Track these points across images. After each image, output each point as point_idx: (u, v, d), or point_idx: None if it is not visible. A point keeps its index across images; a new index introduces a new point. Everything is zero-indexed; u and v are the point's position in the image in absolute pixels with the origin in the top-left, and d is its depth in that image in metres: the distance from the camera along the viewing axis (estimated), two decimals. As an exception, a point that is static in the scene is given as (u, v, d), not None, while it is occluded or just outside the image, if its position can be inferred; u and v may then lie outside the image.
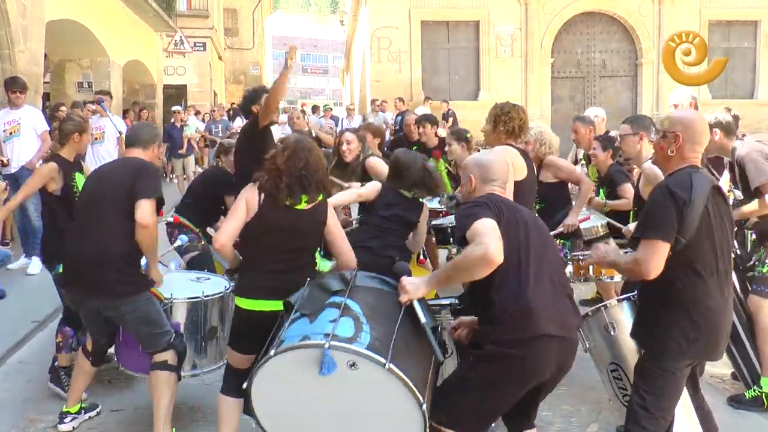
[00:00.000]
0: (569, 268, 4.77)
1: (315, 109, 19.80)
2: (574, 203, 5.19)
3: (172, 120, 15.15)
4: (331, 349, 2.50)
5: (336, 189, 5.00)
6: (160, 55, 19.05)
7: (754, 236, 4.33)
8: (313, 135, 8.75)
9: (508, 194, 3.73)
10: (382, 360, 2.50)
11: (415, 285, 2.82)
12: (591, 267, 4.56)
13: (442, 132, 8.07)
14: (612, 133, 6.36)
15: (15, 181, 7.26)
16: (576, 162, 6.98)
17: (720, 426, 3.25)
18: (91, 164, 7.34)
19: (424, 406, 2.54)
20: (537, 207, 4.82)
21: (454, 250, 5.23)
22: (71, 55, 13.73)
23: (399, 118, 13.54)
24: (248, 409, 2.85)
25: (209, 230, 5.53)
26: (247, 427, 3.13)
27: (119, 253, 3.56)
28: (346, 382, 2.55)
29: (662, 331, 2.88)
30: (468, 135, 6.26)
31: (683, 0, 18.47)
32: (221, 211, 5.48)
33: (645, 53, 18.73)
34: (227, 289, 4.10)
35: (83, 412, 4.10)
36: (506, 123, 4.25)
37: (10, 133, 7.50)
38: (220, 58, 26.91)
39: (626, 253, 4.05)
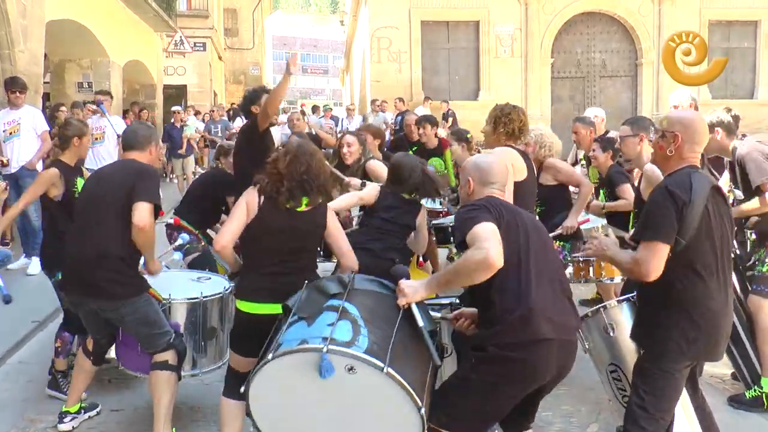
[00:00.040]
0: (569, 270, 4.77)
1: (315, 109, 19.80)
2: (574, 206, 5.18)
3: (172, 120, 15.15)
4: (329, 353, 2.49)
5: (336, 191, 5.00)
6: (160, 55, 19.05)
7: (754, 236, 4.33)
8: (313, 132, 8.74)
9: (508, 195, 3.73)
10: (380, 364, 2.49)
11: (413, 288, 2.81)
12: (591, 268, 4.56)
13: (442, 132, 8.07)
14: (612, 134, 6.36)
15: (15, 181, 7.27)
16: (576, 162, 6.98)
17: (720, 426, 3.25)
18: (91, 164, 7.36)
19: (423, 410, 2.54)
20: (537, 210, 4.81)
21: (454, 249, 5.23)
22: (71, 55, 13.73)
23: (399, 118, 13.53)
24: (250, 412, 2.86)
25: (209, 232, 5.53)
26: (247, 428, 3.14)
27: (119, 255, 3.56)
28: (344, 385, 2.54)
29: (662, 332, 2.87)
30: (468, 135, 6.27)
31: (683, 0, 18.47)
32: (221, 212, 5.49)
33: (645, 53, 18.73)
34: (227, 290, 4.10)
35: (83, 411, 4.10)
36: (506, 125, 4.24)
37: (10, 133, 7.49)
38: (220, 58, 26.91)
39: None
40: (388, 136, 10.59)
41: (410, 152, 7.30)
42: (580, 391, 4.39)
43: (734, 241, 4.34)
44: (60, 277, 4.00)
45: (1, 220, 4.52)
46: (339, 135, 9.36)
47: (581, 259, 4.63)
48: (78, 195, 4.09)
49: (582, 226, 5.05)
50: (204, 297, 4.01)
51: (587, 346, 3.46)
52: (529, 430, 3.03)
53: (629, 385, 3.16)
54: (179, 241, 4.72)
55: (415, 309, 2.79)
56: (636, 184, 4.90)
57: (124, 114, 13.43)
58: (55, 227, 4.36)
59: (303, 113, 12.51)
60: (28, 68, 9.19)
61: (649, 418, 2.88)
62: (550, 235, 3.80)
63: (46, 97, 12.86)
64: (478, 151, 6.37)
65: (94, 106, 9.09)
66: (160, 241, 4.03)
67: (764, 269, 4.18)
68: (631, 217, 4.82)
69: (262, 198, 3.24)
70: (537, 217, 4.50)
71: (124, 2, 14.38)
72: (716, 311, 2.87)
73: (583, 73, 19.13)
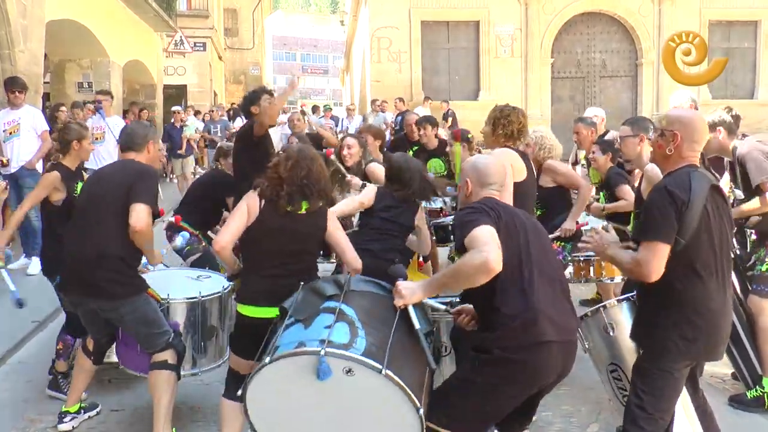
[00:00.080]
0: (569, 269, 4.77)
1: (315, 109, 19.80)
2: (573, 208, 5.16)
3: (172, 120, 15.15)
4: (326, 356, 2.48)
5: (337, 192, 5.00)
6: (160, 55, 19.06)
7: (754, 236, 4.32)
8: (314, 131, 8.73)
9: (508, 196, 3.73)
10: (379, 366, 2.48)
11: (410, 290, 2.80)
12: (591, 268, 4.55)
13: (442, 132, 8.06)
14: (612, 133, 6.35)
15: (15, 181, 7.27)
16: (576, 163, 6.97)
17: (721, 426, 3.24)
18: (91, 164, 7.34)
19: (421, 410, 2.53)
20: (537, 212, 4.80)
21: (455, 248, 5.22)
22: (71, 55, 13.73)
23: (399, 118, 13.53)
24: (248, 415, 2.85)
25: (210, 233, 5.53)
26: (247, 429, 3.13)
27: (118, 255, 3.56)
28: (342, 388, 2.54)
29: (662, 332, 2.87)
30: (469, 136, 6.26)
31: (683, 0, 18.47)
32: (222, 213, 5.49)
33: (645, 53, 18.72)
34: (225, 289, 4.10)
35: (83, 411, 4.10)
36: (505, 126, 4.23)
37: (10, 133, 7.49)
38: (220, 58, 26.91)
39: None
40: (388, 136, 10.59)
41: (411, 152, 7.31)
42: (580, 391, 4.39)
43: (734, 241, 4.35)
44: (60, 281, 4.00)
45: (7, 226, 4.49)
46: (339, 135, 9.35)
47: (582, 258, 4.62)
48: (78, 195, 4.08)
49: (582, 229, 5.04)
50: (202, 296, 4.00)
51: (587, 346, 3.46)
52: (527, 430, 3.03)
53: (630, 384, 3.16)
54: (180, 239, 4.72)
55: (411, 311, 2.78)
56: (636, 185, 4.89)
57: (124, 114, 13.43)
58: (55, 231, 4.33)
59: (303, 113, 12.48)
60: (28, 68, 9.19)
61: (648, 418, 2.87)
62: (549, 236, 3.79)
63: (46, 97, 12.86)
64: (479, 152, 6.35)
65: (94, 106, 9.08)
66: (159, 241, 4.02)
67: (764, 269, 4.18)
68: (632, 217, 4.82)
69: (263, 201, 3.25)
70: (537, 219, 4.50)
71: (124, 2, 14.38)
72: (716, 311, 2.87)
73: (584, 74, 19.12)
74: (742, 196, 4.21)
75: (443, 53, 18.85)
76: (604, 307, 3.47)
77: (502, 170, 3.13)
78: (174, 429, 3.74)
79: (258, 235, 3.26)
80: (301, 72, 62.05)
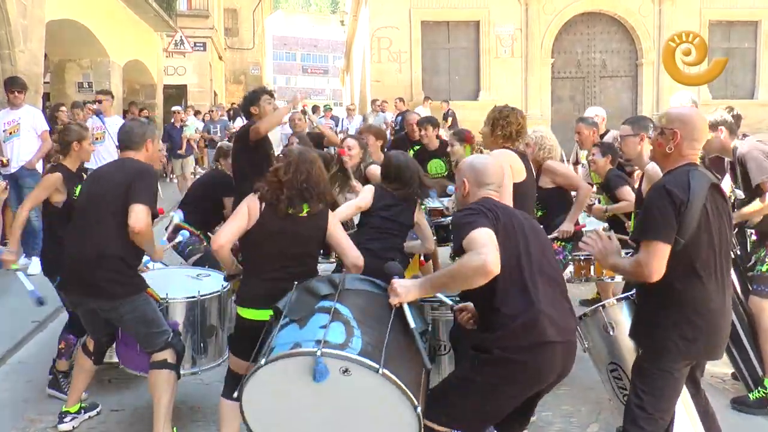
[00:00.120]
0: (570, 268, 4.76)
1: (315, 109, 19.73)
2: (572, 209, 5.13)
3: (172, 120, 15.15)
4: (323, 357, 2.47)
5: (341, 195, 4.99)
6: (160, 55, 19.05)
7: (754, 237, 4.32)
8: (315, 129, 8.72)
9: (508, 197, 3.72)
10: (375, 365, 2.47)
11: (406, 288, 2.79)
12: (592, 267, 4.54)
13: (443, 132, 8.06)
14: (612, 133, 6.35)
15: (15, 181, 7.26)
16: (577, 163, 6.96)
17: (723, 427, 3.23)
18: (91, 164, 7.34)
19: (419, 409, 2.53)
20: (538, 213, 4.78)
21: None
22: (71, 55, 13.73)
23: (399, 118, 13.53)
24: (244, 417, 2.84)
25: (210, 234, 5.52)
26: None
27: (118, 255, 3.56)
28: (339, 388, 2.53)
29: (661, 332, 2.86)
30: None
31: (683, 0, 18.47)
32: (222, 213, 5.49)
33: (645, 53, 18.72)
34: (224, 288, 4.10)
35: (83, 411, 4.10)
36: (504, 127, 4.22)
37: (10, 133, 7.49)
38: (220, 58, 26.91)
39: (627, 254, 4.02)
40: (388, 136, 10.59)
41: (411, 151, 7.32)
42: (580, 391, 4.39)
43: (734, 241, 4.34)
44: (60, 279, 4.00)
45: (14, 231, 4.46)
46: (340, 135, 9.34)
47: (582, 257, 4.61)
48: (77, 194, 4.08)
49: (582, 230, 5.03)
50: (201, 296, 4.00)
51: (586, 346, 3.45)
52: (526, 431, 3.03)
53: (630, 384, 3.15)
54: (178, 238, 4.71)
55: (406, 309, 2.76)
56: (636, 185, 4.89)
57: (124, 114, 13.43)
58: (55, 233, 4.32)
59: (304, 113, 12.46)
60: (28, 68, 9.19)
61: (648, 418, 2.86)
62: (548, 237, 3.79)
63: (46, 97, 12.86)
64: (480, 152, 6.35)
65: (95, 105, 9.08)
66: (158, 240, 4.01)
67: (764, 269, 4.17)
68: (632, 217, 4.81)
69: (263, 204, 3.25)
70: (537, 220, 4.49)
71: (124, 2, 14.38)
72: (716, 311, 2.86)
73: (584, 74, 19.12)
74: (743, 196, 4.21)
75: (443, 53, 18.86)
76: (603, 306, 3.46)
77: (500, 170, 3.12)
78: (175, 429, 3.74)
79: (258, 238, 3.26)
80: (301, 72, 62.11)
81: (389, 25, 18.31)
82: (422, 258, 5.53)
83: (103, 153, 8.49)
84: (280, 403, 2.65)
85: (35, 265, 7.11)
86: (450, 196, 5.40)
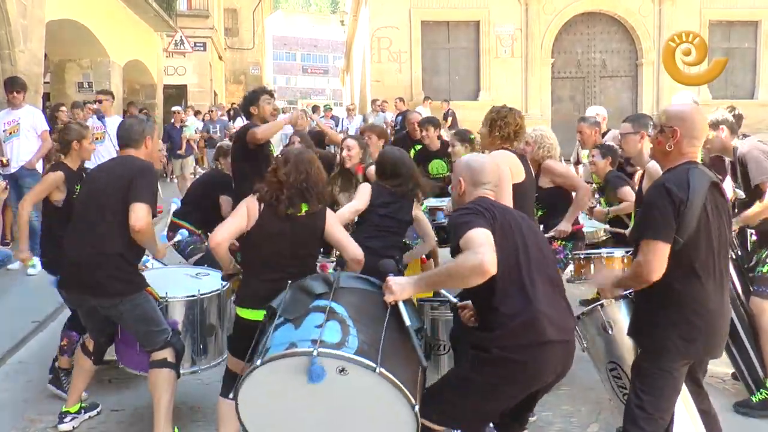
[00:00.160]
0: (570, 267, 4.75)
1: (315, 109, 19.78)
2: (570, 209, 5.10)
3: (172, 120, 15.15)
4: (319, 356, 2.45)
5: (343, 197, 4.98)
6: (160, 55, 19.05)
7: (754, 237, 4.31)
8: (313, 125, 8.72)
9: (508, 199, 3.71)
10: (372, 364, 2.46)
11: (401, 286, 2.77)
12: (592, 265, 4.53)
13: (443, 132, 8.05)
14: (613, 132, 6.34)
15: (15, 181, 7.26)
16: (579, 162, 6.96)
17: (724, 428, 3.23)
18: (92, 164, 7.34)
19: (416, 407, 2.52)
20: (538, 213, 4.77)
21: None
22: (71, 55, 13.73)
23: (399, 118, 13.53)
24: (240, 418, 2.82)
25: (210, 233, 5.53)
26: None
27: (118, 252, 3.56)
28: (336, 387, 2.51)
29: (660, 332, 2.85)
30: (472, 137, 6.24)
31: (684, 0, 18.47)
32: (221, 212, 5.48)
33: (645, 53, 18.73)
34: (224, 287, 4.09)
35: (83, 411, 4.10)
36: (501, 128, 4.20)
37: (10, 133, 7.49)
38: (220, 58, 26.91)
39: (627, 252, 4.02)
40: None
41: (413, 151, 7.32)
42: (580, 391, 4.39)
43: (735, 241, 4.34)
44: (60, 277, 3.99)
45: (20, 229, 4.44)
46: (340, 135, 9.34)
47: (582, 256, 4.61)
48: (77, 192, 4.07)
49: (584, 228, 5.02)
50: (201, 294, 4.00)
51: (585, 345, 3.44)
52: (526, 431, 3.02)
53: (629, 384, 3.15)
54: (177, 237, 4.71)
55: (402, 307, 2.75)
56: (637, 185, 4.88)
57: (124, 114, 13.43)
58: (54, 234, 4.30)
59: (305, 112, 12.57)
60: (28, 68, 9.19)
61: (648, 418, 2.86)
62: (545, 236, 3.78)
63: (46, 97, 12.86)
64: (483, 152, 6.34)
65: (95, 105, 9.08)
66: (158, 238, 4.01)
67: (765, 270, 4.16)
68: (632, 216, 4.81)
69: (262, 205, 3.26)
70: (538, 220, 4.48)
71: (124, 2, 14.38)
72: (714, 311, 2.85)
73: (584, 74, 19.13)
74: (744, 196, 4.20)
75: (443, 53, 18.86)
76: (602, 305, 3.45)
77: (496, 169, 3.11)
78: (176, 428, 3.74)
79: (257, 239, 3.26)
80: (302, 72, 62.11)
81: (389, 25, 18.32)
82: (423, 255, 5.52)
83: (103, 153, 8.48)
84: (276, 404, 2.64)
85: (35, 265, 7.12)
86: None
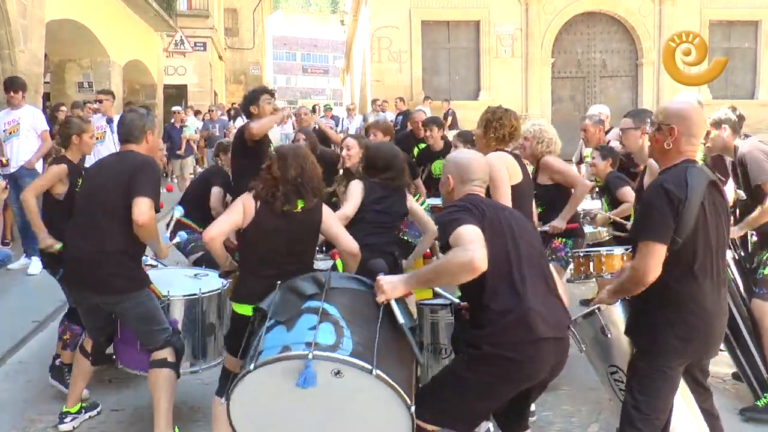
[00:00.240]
0: (570, 267, 4.74)
1: (315, 109, 19.81)
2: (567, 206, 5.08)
3: (172, 120, 15.15)
4: (314, 359, 2.41)
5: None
6: (160, 55, 19.05)
7: (755, 237, 4.30)
8: (316, 127, 8.73)
9: (507, 200, 3.70)
10: (368, 366, 2.43)
11: (392, 284, 2.75)
12: (591, 263, 4.51)
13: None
14: (615, 131, 6.33)
15: (14, 181, 7.25)
16: (581, 162, 6.95)
17: (724, 427, 3.23)
18: (92, 162, 7.34)
19: (413, 408, 2.50)
20: (538, 210, 4.76)
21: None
22: (71, 55, 13.73)
23: (400, 117, 13.53)
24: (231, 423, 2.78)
25: None
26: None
27: (120, 248, 3.54)
28: (331, 390, 2.48)
29: (657, 332, 2.84)
30: (473, 137, 6.24)
31: (684, 0, 18.46)
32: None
33: (645, 53, 18.72)
34: (224, 286, 4.09)
35: (83, 411, 4.09)
36: (497, 129, 4.17)
37: (10, 133, 7.48)
38: (220, 58, 26.91)
39: (627, 250, 4.00)
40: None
41: (416, 149, 7.33)
42: (581, 391, 4.39)
43: (737, 242, 4.32)
44: (63, 273, 3.98)
45: (32, 219, 4.38)
46: (341, 135, 9.35)
47: (581, 254, 4.59)
48: (79, 188, 4.06)
49: (586, 228, 5.00)
50: (203, 293, 4.00)
51: (583, 348, 3.41)
52: (528, 429, 3.01)
53: (626, 382, 3.13)
54: (177, 239, 4.71)
55: (394, 306, 2.73)
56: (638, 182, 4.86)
57: (124, 114, 13.41)
58: (56, 227, 4.29)
59: (313, 110, 12.73)
60: (28, 68, 9.19)
61: (645, 419, 2.85)
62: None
63: (46, 97, 12.86)
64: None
65: (96, 105, 9.08)
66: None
67: (766, 272, 4.15)
68: (632, 213, 4.79)
69: (258, 203, 3.25)
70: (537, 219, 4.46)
71: (124, 2, 14.38)
72: (711, 311, 2.83)
73: (584, 73, 19.12)
74: (745, 197, 4.19)
75: (443, 53, 18.85)
76: (599, 308, 3.42)
77: (485, 166, 3.10)
78: (176, 428, 3.74)
79: (254, 237, 3.26)
80: (302, 72, 62.07)
81: (389, 24, 18.31)
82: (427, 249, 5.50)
83: (104, 152, 8.48)
84: (269, 407, 2.60)
85: (35, 265, 7.11)
86: None
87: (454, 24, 18.74)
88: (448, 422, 2.74)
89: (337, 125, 16.07)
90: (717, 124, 4.22)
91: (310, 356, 2.42)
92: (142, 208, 3.44)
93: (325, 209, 3.42)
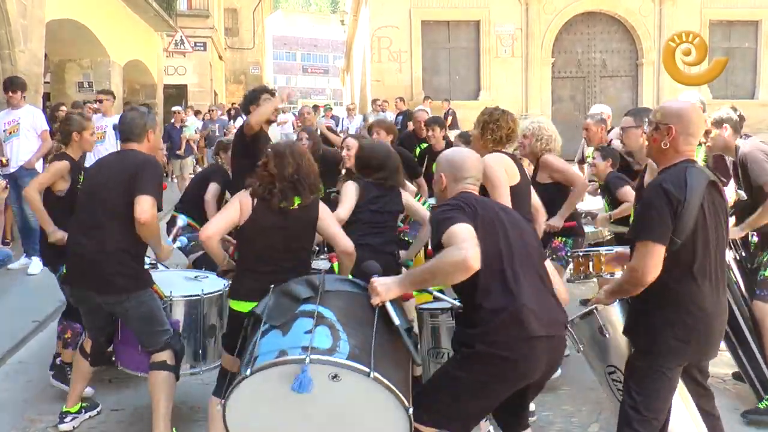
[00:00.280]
0: (570, 266, 4.73)
1: (315, 108, 19.79)
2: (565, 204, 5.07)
3: (172, 120, 15.14)
4: (312, 364, 2.39)
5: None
6: (160, 54, 19.06)
7: (755, 238, 4.29)
8: (317, 130, 8.73)
9: (506, 202, 3.69)
10: (366, 369, 2.42)
11: (386, 286, 2.73)
12: (591, 263, 4.50)
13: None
14: (616, 131, 6.33)
15: (14, 181, 7.25)
16: (583, 161, 6.95)
17: (724, 427, 3.23)
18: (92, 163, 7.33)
19: (411, 410, 2.49)
20: None
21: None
22: (71, 55, 13.74)
23: (400, 117, 13.53)
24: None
25: None
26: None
27: (122, 248, 3.54)
28: (329, 393, 2.46)
29: (656, 332, 2.83)
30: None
31: (684, 0, 18.46)
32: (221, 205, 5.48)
33: (646, 53, 18.71)
34: (226, 287, 4.09)
35: (83, 411, 4.09)
36: (494, 131, 4.16)
37: (10, 133, 7.48)
38: (220, 57, 26.91)
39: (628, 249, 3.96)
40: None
41: (418, 149, 7.33)
42: (581, 391, 4.38)
43: (738, 242, 4.32)
44: (64, 271, 3.96)
45: (38, 214, 4.35)
46: (341, 135, 9.37)
47: (581, 254, 4.59)
48: (80, 187, 4.05)
49: (587, 228, 4.99)
50: (205, 294, 3.99)
51: (581, 348, 3.40)
52: (528, 428, 3.00)
53: (623, 383, 3.12)
54: (177, 244, 4.70)
55: (389, 307, 2.71)
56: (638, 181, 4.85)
57: (124, 114, 13.41)
58: (56, 222, 4.28)
59: (316, 108, 12.76)
60: (29, 68, 9.19)
61: (643, 420, 2.84)
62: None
63: (46, 97, 12.86)
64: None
65: (96, 105, 9.08)
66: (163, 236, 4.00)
67: (767, 273, 4.14)
68: (632, 212, 4.79)
69: (255, 200, 3.25)
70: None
71: (124, 2, 14.38)
72: (710, 312, 2.82)
73: (584, 73, 19.11)
74: (745, 197, 4.18)
75: (444, 53, 18.85)
76: (596, 308, 3.41)
77: (478, 164, 3.08)
78: (174, 429, 3.73)
79: (251, 234, 3.26)
80: (302, 72, 62.07)
81: (389, 24, 18.31)
82: (429, 247, 5.50)
83: (104, 153, 8.48)
84: (266, 413, 2.57)
85: (35, 265, 7.12)
86: None
87: (454, 24, 18.74)
88: (444, 423, 2.71)
89: (337, 125, 16.07)
90: (718, 123, 4.21)
91: (307, 360, 2.40)
92: (144, 206, 3.43)
93: (322, 207, 3.41)
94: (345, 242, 3.40)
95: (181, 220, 4.54)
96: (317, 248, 4.57)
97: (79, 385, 3.99)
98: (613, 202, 5.33)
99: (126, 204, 3.48)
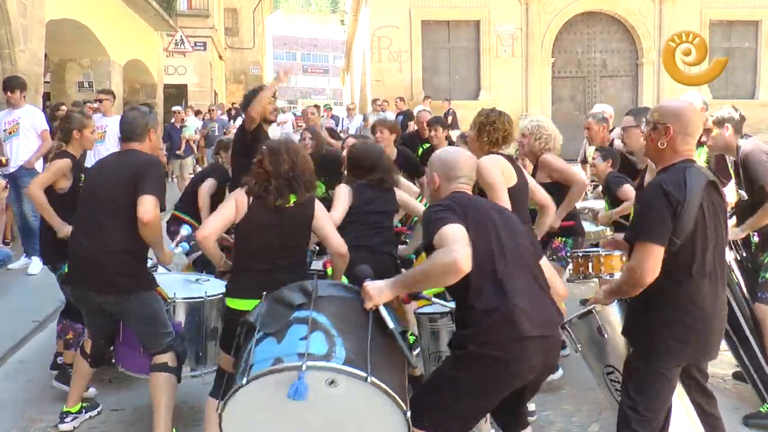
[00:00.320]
0: (570, 267, 4.72)
1: (317, 108, 19.78)
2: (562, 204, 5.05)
3: (172, 120, 15.14)
4: (309, 370, 2.37)
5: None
6: (160, 54, 19.06)
7: (756, 238, 4.28)
8: (322, 128, 8.76)
9: (505, 203, 3.69)
10: (363, 374, 2.40)
11: (378, 290, 2.71)
12: (590, 263, 4.50)
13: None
14: (617, 131, 6.32)
15: (14, 181, 7.25)
16: (585, 161, 6.94)
17: (725, 427, 3.22)
18: (92, 163, 7.34)
19: (408, 414, 2.48)
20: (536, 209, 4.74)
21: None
22: (71, 55, 13.74)
23: (400, 117, 13.52)
24: None
25: None
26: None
27: (122, 248, 3.53)
28: (326, 399, 2.45)
29: (654, 333, 2.82)
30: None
31: (684, 0, 18.46)
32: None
33: (646, 53, 18.72)
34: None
35: (84, 411, 4.09)
36: (490, 133, 4.15)
37: (10, 133, 7.47)
38: (220, 57, 26.92)
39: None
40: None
41: (420, 149, 7.34)
42: (581, 391, 4.38)
43: (739, 242, 4.31)
44: (65, 271, 3.96)
45: (43, 211, 4.34)
46: (341, 135, 9.38)
47: (580, 254, 4.58)
48: (81, 187, 4.05)
49: (587, 228, 4.98)
50: (208, 296, 3.99)
51: (579, 348, 3.39)
52: (528, 428, 2.99)
53: (622, 383, 3.11)
54: (179, 249, 4.71)
55: (383, 311, 2.70)
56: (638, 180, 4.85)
57: (124, 114, 13.41)
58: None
59: (317, 107, 12.78)
60: (29, 68, 9.19)
61: (642, 420, 2.83)
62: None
63: (46, 96, 12.86)
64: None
65: (96, 105, 9.08)
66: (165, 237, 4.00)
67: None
68: (632, 212, 4.78)
69: (251, 198, 3.24)
70: (533, 216, 4.44)
71: (124, 1, 14.39)
72: (709, 312, 2.82)
73: (584, 73, 19.13)
74: (746, 197, 4.18)
75: (444, 53, 18.86)
76: (595, 308, 3.41)
77: (471, 163, 3.06)
78: (175, 430, 3.73)
79: (247, 232, 3.26)
80: (302, 72, 62.06)
81: (389, 24, 18.32)
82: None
83: (104, 153, 8.48)
84: (263, 422, 2.55)
85: (35, 265, 7.12)
86: None
87: (454, 24, 18.76)
88: (444, 424, 2.69)
89: (337, 125, 16.06)
90: (720, 122, 4.21)
91: (304, 367, 2.38)
92: (147, 206, 3.42)
93: (318, 206, 3.41)
94: (338, 242, 3.38)
95: (185, 230, 4.56)
96: (317, 248, 4.57)
97: (80, 386, 3.98)
98: (614, 202, 5.33)
99: (128, 204, 3.47)
